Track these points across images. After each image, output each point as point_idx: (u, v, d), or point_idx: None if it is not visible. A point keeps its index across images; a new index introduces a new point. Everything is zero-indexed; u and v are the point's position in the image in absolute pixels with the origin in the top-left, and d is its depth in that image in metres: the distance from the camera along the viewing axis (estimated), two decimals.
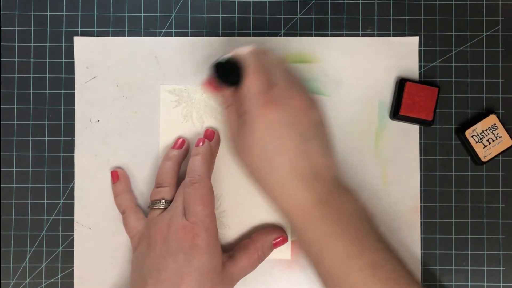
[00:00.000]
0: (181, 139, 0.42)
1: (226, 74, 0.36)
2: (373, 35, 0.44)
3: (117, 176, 0.42)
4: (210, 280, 0.36)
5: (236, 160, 0.38)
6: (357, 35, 0.44)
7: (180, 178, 0.41)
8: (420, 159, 0.43)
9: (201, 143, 0.41)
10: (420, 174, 0.43)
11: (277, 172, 0.35)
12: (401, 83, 0.42)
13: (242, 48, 0.37)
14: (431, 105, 0.42)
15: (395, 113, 0.42)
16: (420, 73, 0.43)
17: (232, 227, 0.43)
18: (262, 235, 0.41)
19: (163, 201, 0.40)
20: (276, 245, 0.41)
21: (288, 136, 0.35)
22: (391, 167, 0.43)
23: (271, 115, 0.35)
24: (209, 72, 0.37)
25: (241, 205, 0.43)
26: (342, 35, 0.44)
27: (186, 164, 0.41)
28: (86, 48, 0.43)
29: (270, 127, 0.35)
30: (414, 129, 0.43)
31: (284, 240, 0.42)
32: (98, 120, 0.43)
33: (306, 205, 0.35)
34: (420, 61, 0.44)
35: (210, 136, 0.42)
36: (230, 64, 0.36)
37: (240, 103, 0.36)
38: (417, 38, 0.43)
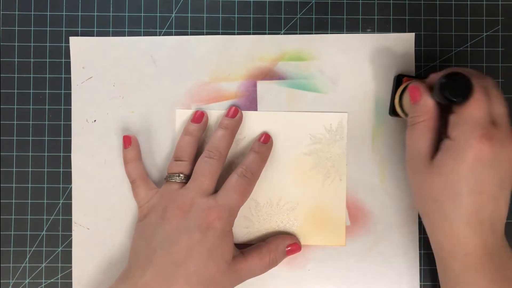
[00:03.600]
0: (199, 112, 0.42)
1: (452, 89, 0.33)
2: None
3: (130, 141, 0.42)
4: (217, 265, 0.37)
5: (412, 178, 0.36)
6: None
7: (198, 153, 0.41)
8: None
9: (231, 114, 0.41)
10: None
11: (461, 211, 0.33)
12: (399, 79, 0.42)
13: (474, 71, 0.35)
14: None
15: (394, 110, 0.42)
16: (420, 73, 0.43)
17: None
18: (277, 239, 0.41)
19: (182, 175, 0.40)
20: (289, 252, 0.41)
21: (489, 179, 0.33)
22: (388, 163, 0.43)
23: (485, 151, 0.32)
24: (436, 82, 0.34)
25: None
26: None
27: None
28: (82, 48, 0.43)
29: (477, 163, 0.33)
30: None
31: (298, 249, 0.42)
32: (95, 120, 0.43)
33: (473, 253, 0.34)
34: (420, 61, 0.44)
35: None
36: (459, 80, 0.33)
37: (445, 123, 0.35)
38: (413, 34, 0.43)
